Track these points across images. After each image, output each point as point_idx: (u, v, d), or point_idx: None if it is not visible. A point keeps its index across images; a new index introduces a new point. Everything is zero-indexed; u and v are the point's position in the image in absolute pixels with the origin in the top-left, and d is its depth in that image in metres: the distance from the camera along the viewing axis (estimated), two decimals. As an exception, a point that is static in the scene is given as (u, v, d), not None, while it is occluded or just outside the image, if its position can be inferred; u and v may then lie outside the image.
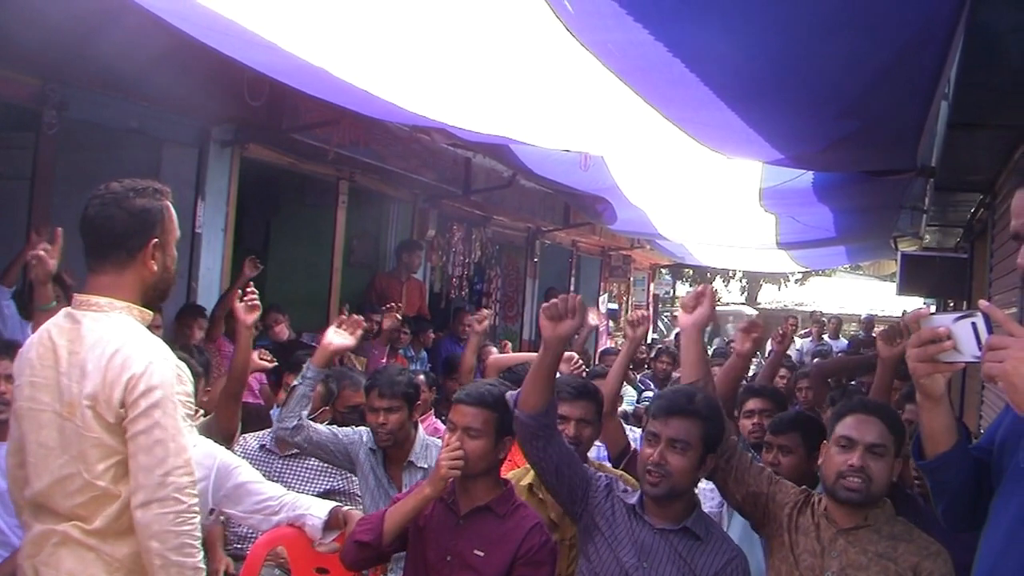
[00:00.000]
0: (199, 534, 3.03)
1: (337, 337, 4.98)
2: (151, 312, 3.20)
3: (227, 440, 4.93)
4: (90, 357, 2.99)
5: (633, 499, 3.75)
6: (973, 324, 2.36)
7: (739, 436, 4.83)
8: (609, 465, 4.95)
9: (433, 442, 5.10)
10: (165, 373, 3.01)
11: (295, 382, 4.92)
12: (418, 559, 3.91)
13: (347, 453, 4.99)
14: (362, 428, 5.16)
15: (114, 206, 3.09)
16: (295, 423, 4.85)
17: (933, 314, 2.48)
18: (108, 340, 3.00)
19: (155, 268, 3.14)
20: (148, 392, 2.95)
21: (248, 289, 5.15)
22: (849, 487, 3.58)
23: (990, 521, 2.66)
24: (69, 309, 3.13)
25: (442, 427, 5.91)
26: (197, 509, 3.02)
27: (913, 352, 2.53)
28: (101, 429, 2.96)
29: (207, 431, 4.53)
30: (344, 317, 5.13)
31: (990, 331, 2.35)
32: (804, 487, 3.99)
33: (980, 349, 2.36)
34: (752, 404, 5.55)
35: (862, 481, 3.56)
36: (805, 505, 3.79)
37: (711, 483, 5.50)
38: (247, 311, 5.05)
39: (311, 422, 5.00)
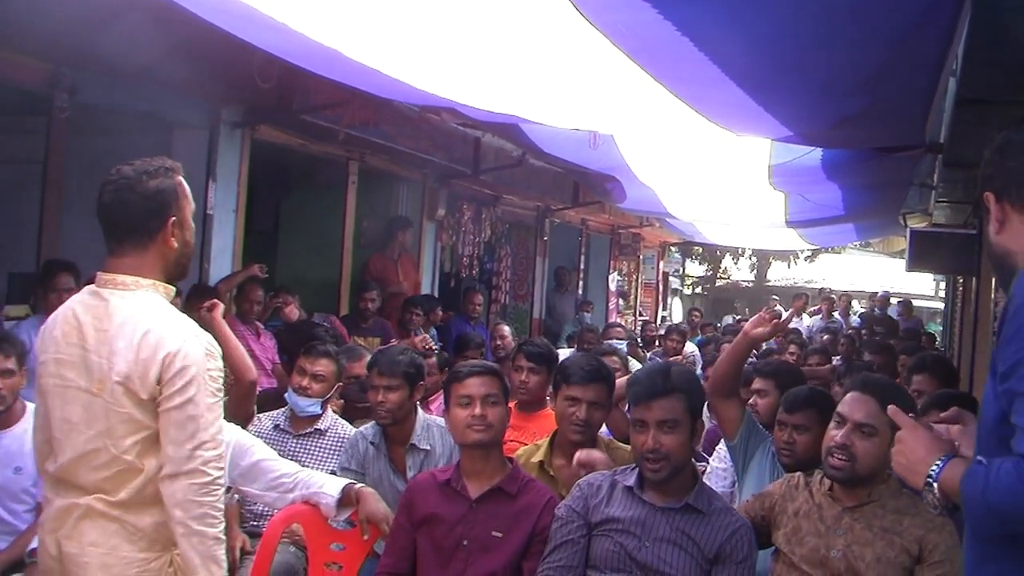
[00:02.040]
0: (222, 506, 3.10)
1: None
2: (174, 288, 3.25)
3: (243, 423, 4.97)
4: (120, 335, 3.03)
5: (631, 480, 3.75)
6: None
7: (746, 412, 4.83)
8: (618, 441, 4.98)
9: (435, 422, 5.12)
10: (198, 350, 3.08)
11: None
12: (430, 548, 3.93)
13: (364, 470, 5.02)
14: (358, 431, 5.24)
15: (128, 191, 3.12)
16: None
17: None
18: (139, 318, 3.05)
19: (175, 245, 3.19)
20: (183, 370, 3.02)
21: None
22: (832, 465, 3.65)
23: None
24: (93, 287, 3.17)
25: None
26: (222, 482, 3.09)
27: None
28: (132, 405, 3.02)
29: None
30: None
31: None
32: (788, 474, 4.04)
33: None
34: (756, 384, 5.56)
35: (846, 459, 3.61)
36: (795, 490, 3.84)
37: (721, 463, 5.56)
38: (209, 311, 5.14)
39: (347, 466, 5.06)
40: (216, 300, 5.25)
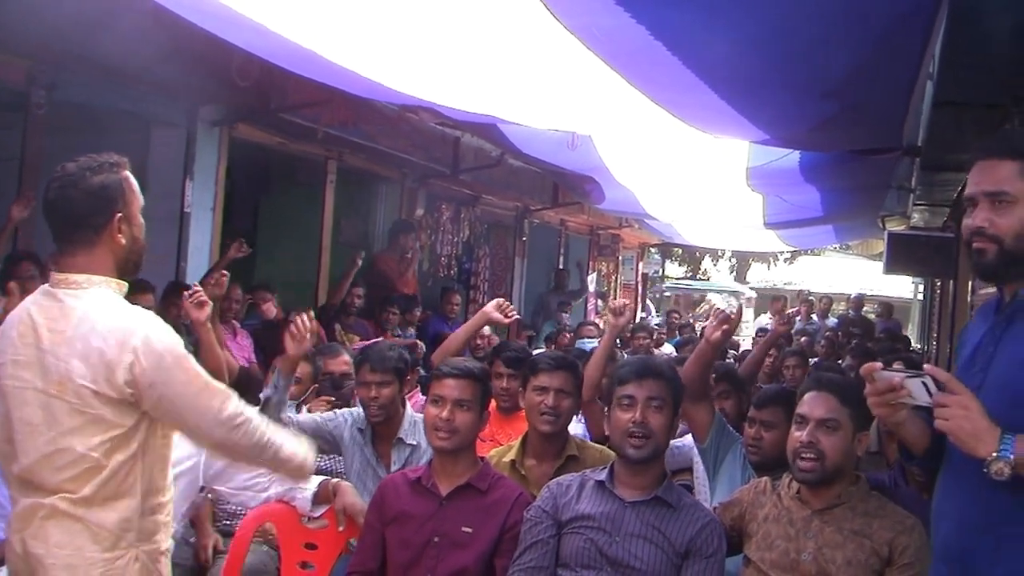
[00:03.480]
0: (272, 427, 3.26)
1: (292, 345, 4.81)
2: (126, 284, 3.21)
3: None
4: (78, 334, 3.00)
5: (603, 475, 3.79)
6: (923, 382, 2.64)
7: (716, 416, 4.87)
8: (590, 441, 4.99)
9: (422, 418, 5.11)
10: (162, 336, 3.08)
11: (266, 392, 4.82)
12: (400, 546, 3.92)
13: (332, 438, 5.02)
14: (346, 410, 5.21)
15: (71, 188, 3.09)
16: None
17: (884, 368, 2.75)
18: (96, 317, 3.01)
19: (123, 241, 3.15)
20: (159, 364, 3.01)
21: (195, 286, 5.07)
22: (801, 468, 3.64)
23: (949, 461, 2.77)
24: (47, 287, 3.14)
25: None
26: (257, 417, 3.21)
27: (873, 400, 2.77)
28: (102, 405, 2.98)
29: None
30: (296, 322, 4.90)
31: (940, 388, 2.63)
32: (755, 480, 4.05)
33: (931, 398, 2.66)
34: (721, 387, 5.69)
35: (814, 458, 3.60)
36: (762, 496, 3.84)
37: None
38: (197, 308, 5.01)
39: (293, 414, 5.05)
40: (204, 297, 5.13)
